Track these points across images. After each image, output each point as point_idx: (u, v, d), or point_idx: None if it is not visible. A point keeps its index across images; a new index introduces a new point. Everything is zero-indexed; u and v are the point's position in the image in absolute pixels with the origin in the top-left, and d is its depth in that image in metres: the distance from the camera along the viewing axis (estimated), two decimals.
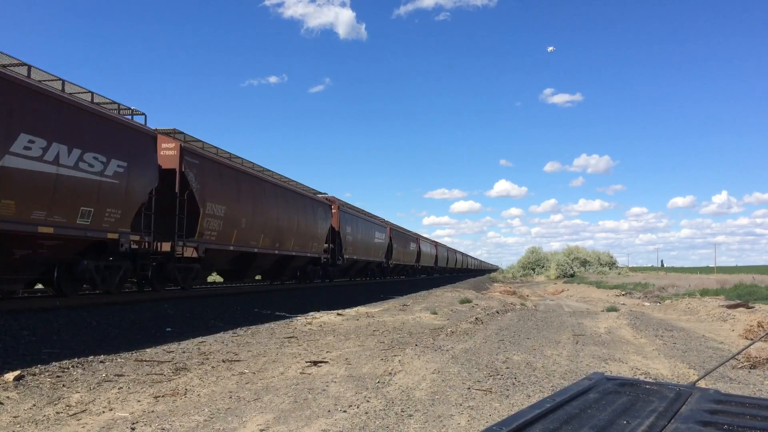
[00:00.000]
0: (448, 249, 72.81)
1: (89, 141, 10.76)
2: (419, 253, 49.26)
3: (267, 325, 12.94)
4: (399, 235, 41.14)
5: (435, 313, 15.63)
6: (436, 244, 61.45)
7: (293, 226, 20.75)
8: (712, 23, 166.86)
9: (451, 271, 75.57)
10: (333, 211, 26.21)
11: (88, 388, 6.31)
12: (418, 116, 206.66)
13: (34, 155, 9.57)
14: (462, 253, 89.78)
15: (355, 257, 29.31)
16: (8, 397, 5.76)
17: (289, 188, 21.61)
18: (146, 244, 12.97)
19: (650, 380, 2.62)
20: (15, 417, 5.11)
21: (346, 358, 8.22)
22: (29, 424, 4.91)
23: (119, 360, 8.08)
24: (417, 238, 49.72)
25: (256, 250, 18.02)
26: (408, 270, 47.63)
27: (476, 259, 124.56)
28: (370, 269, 35.16)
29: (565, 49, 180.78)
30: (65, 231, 10.31)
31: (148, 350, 9.01)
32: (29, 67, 10.58)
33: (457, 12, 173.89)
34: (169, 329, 11.38)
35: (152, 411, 5.31)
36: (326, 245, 25.36)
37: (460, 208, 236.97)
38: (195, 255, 14.77)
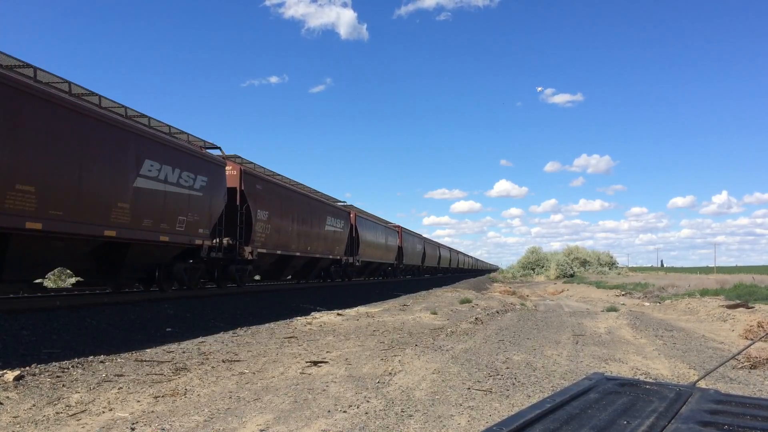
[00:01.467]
0: (426, 241, 53.50)
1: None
2: (357, 241, 29.24)
3: (267, 325, 12.94)
4: (305, 206, 22.14)
5: (435, 313, 15.63)
6: (399, 230, 40.48)
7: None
8: (712, 23, 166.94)
9: (433, 271, 59.34)
10: None
11: (88, 388, 6.31)
12: (419, 116, 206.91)
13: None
14: (449, 249, 73.94)
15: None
16: (8, 397, 5.75)
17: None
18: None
19: (650, 380, 2.62)
20: (15, 417, 5.11)
21: (346, 358, 8.22)
22: (29, 424, 4.91)
23: (119, 360, 8.08)
24: (361, 218, 30.67)
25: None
26: (347, 270, 28.60)
27: (472, 257, 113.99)
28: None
29: (565, 48, 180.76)
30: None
31: (148, 350, 9.01)
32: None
33: (458, 12, 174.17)
34: (169, 329, 11.38)
35: (152, 411, 5.31)
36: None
37: (460, 208, 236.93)
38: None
